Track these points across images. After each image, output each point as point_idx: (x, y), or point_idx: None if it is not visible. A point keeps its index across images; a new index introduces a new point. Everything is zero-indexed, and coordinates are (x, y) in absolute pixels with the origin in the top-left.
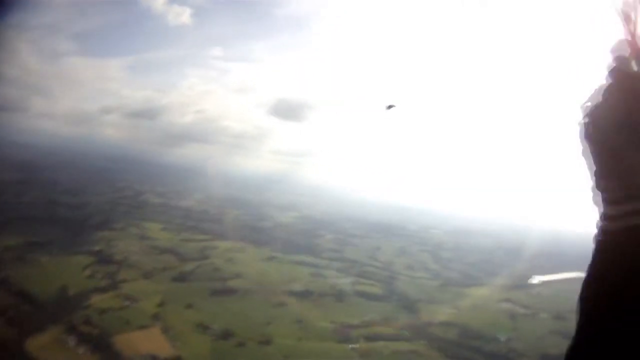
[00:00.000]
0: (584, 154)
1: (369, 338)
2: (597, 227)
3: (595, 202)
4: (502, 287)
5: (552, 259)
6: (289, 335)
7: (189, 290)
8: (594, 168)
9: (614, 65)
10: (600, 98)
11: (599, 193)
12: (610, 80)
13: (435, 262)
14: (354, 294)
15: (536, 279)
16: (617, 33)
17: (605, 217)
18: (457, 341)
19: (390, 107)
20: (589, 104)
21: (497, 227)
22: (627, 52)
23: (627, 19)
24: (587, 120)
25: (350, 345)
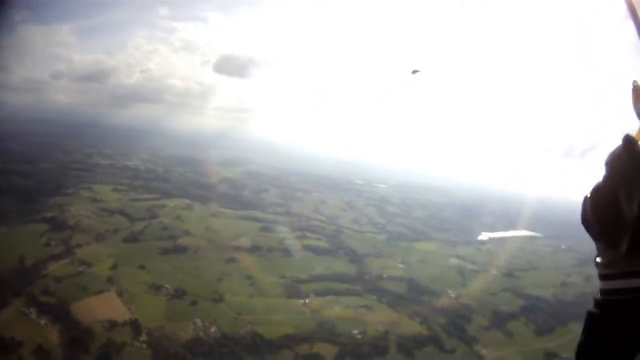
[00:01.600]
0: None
1: (319, 293)
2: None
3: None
4: (451, 242)
5: (501, 217)
6: (241, 292)
7: (140, 250)
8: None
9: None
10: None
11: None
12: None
13: (382, 216)
14: (301, 248)
15: (485, 236)
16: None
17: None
18: (407, 296)
19: (415, 72)
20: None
21: (446, 184)
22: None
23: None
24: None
25: (301, 300)
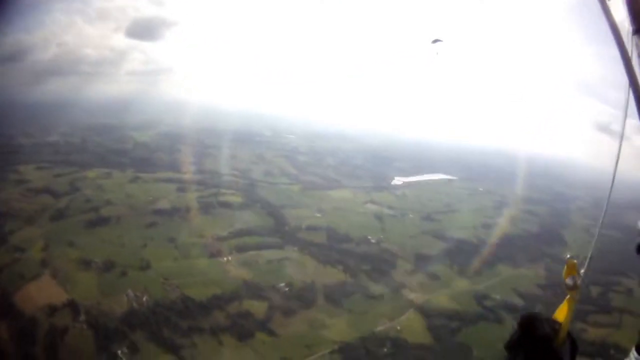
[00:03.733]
0: None
1: (241, 249)
2: None
3: None
4: (365, 189)
5: (414, 162)
6: (166, 256)
7: (66, 227)
8: None
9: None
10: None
11: None
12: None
13: (294, 166)
14: (217, 205)
15: (399, 180)
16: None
17: None
18: (327, 245)
19: (435, 41)
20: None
21: (354, 132)
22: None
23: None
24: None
25: (224, 258)
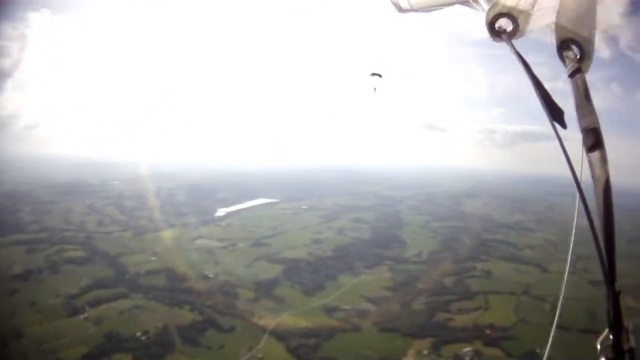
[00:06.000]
0: None
1: (93, 304)
2: None
3: None
4: (192, 225)
5: (235, 190)
6: (33, 322)
7: None
8: None
9: None
10: None
11: None
12: None
13: (122, 213)
14: (63, 262)
15: (222, 211)
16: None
17: None
18: (169, 287)
19: (374, 74)
20: None
21: (174, 168)
22: None
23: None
24: None
25: (81, 316)
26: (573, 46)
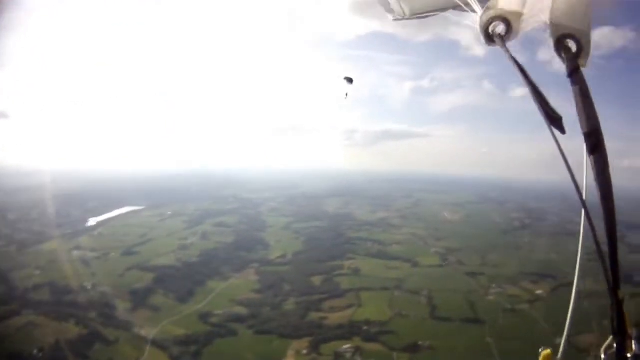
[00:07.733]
0: None
1: None
2: None
3: None
4: (68, 236)
5: (104, 199)
6: None
7: None
8: None
9: None
10: None
11: None
12: None
13: (5, 226)
14: None
15: (93, 221)
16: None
17: None
18: (54, 301)
19: (346, 79)
20: None
21: (47, 177)
22: None
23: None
24: None
25: None
26: (570, 42)
